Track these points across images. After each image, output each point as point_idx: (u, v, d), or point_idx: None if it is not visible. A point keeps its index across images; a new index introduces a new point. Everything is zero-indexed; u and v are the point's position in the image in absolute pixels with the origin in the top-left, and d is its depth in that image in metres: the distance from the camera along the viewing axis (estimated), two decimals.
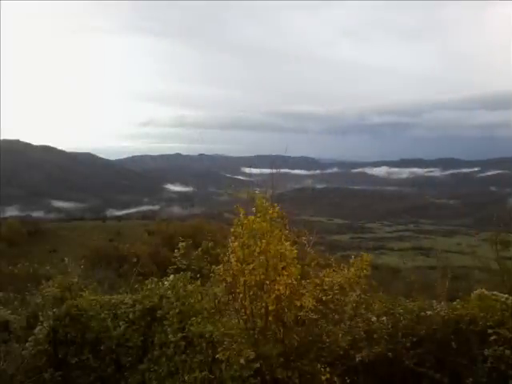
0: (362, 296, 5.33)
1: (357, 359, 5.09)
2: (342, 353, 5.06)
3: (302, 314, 4.85)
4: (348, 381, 4.82)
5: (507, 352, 4.99)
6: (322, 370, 4.67)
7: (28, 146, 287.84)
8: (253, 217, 4.80)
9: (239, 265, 4.81)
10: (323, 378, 4.64)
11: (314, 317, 4.91)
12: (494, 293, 5.52)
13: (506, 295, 5.41)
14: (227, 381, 4.46)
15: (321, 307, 4.94)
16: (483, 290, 5.56)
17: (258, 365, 4.57)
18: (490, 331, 5.09)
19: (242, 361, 4.49)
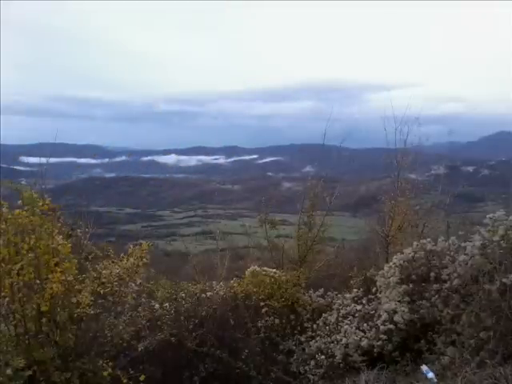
0: (144, 284, 5.32)
1: (139, 349, 5.13)
2: (125, 345, 5.04)
3: (78, 311, 4.66)
4: (132, 372, 4.82)
5: (277, 321, 5.44)
6: (105, 365, 4.59)
7: None
8: (19, 211, 4.39)
9: (4, 265, 4.41)
10: (105, 373, 4.57)
11: (93, 312, 4.77)
12: (264, 268, 5.93)
13: (274, 269, 5.84)
14: None
15: (100, 301, 4.82)
16: (255, 266, 5.93)
17: (30, 372, 4.31)
18: (261, 304, 5.49)
19: (8, 371, 4.17)
